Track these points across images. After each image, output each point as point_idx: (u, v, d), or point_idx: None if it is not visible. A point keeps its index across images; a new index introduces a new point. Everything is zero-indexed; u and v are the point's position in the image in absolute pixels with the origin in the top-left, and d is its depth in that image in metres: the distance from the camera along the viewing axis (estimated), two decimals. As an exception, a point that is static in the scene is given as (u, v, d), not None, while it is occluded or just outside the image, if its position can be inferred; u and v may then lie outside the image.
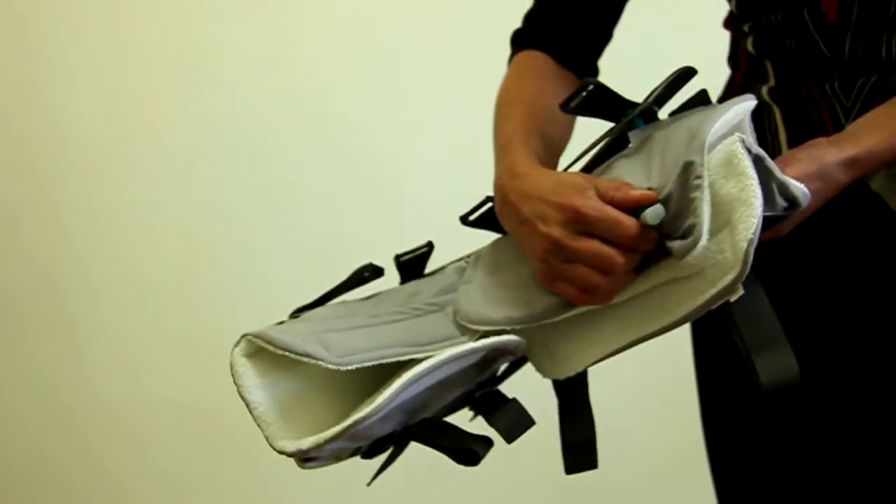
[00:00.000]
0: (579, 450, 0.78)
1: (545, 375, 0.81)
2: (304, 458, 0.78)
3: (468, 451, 0.76)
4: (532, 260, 0.80)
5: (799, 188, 0.76)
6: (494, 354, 0.80)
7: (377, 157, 2.08)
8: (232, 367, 0.78)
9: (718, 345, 1.10)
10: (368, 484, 0.80)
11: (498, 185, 0.88)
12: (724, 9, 1.05)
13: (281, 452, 0.76)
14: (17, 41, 2.09)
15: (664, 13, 1.91)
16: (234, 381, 0.78)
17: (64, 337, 2.14)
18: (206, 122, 2.08)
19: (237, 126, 2.08)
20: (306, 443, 0.74)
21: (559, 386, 0.80)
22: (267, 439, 0.76)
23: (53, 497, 2.17)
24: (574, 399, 0.79)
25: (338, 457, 0.80)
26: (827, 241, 0.99)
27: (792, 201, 0.77)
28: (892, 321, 0.98)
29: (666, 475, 1.95)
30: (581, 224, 0.76)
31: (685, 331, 1.14)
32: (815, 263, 1.01)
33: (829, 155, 0.81)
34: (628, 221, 0.74)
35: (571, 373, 0.79)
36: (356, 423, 0.72)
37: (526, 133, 0.93)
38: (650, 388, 1.93)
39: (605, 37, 1.09)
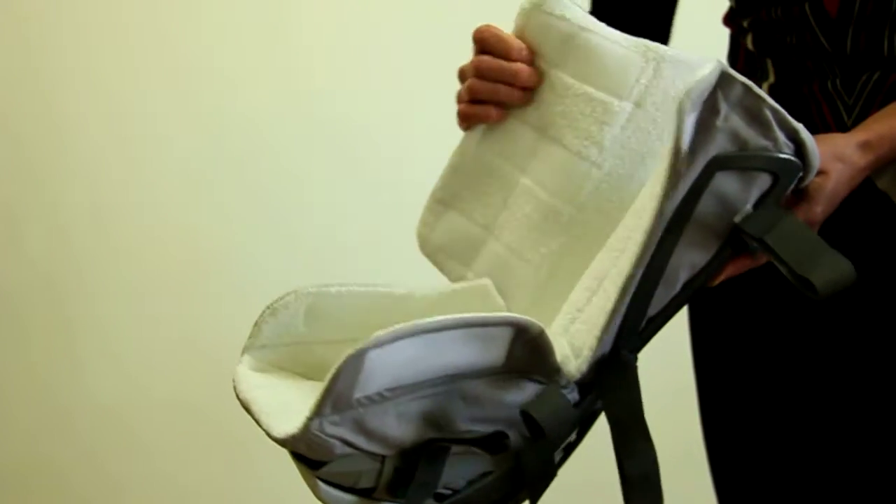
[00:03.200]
0: (643, 486, 0.72)
1: (573, 378, 0.75)
2: (312, 466, 0.72)
3: (496, 435, 0.71)
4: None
5: (799, 125, 0.74)
6: (519, 355, 0.72)
7: (377, 159, 2.08)
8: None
9: (717, 346, 1.10)
10: None
11: None
12: (723, 5, 1.04)
13: (276, 441, 0.71)
14: (17, 42, 2.09)
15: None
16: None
17: (62, 339, 2.14)
18: (206, 124, 2.08)
19: (236, 129, 2.08)
20: (298, 422, 0.68)
21: (614, 414, 0.75)
22: (266, 431, 0.72)
23: (51, 499, 2.17)
24: (633, 426, 0.74)
25: (356, 479, 0.74)
26: (833, 241, 0.98)
27: (797, 143, 0.74)
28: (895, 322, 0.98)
29: (665, 474, 1.94)
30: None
31: (684, 331, 1.14)
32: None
33: (842, 139, 0.82)
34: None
35: (589, 354, 0.74)
36: (339, 372, 0.66)
37: None
38: (649, 388, 1.92)
39: (664, 32, 1.10)
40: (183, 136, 2.09)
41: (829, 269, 0.71)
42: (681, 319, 1.14)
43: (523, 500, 0.81)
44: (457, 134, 2.15)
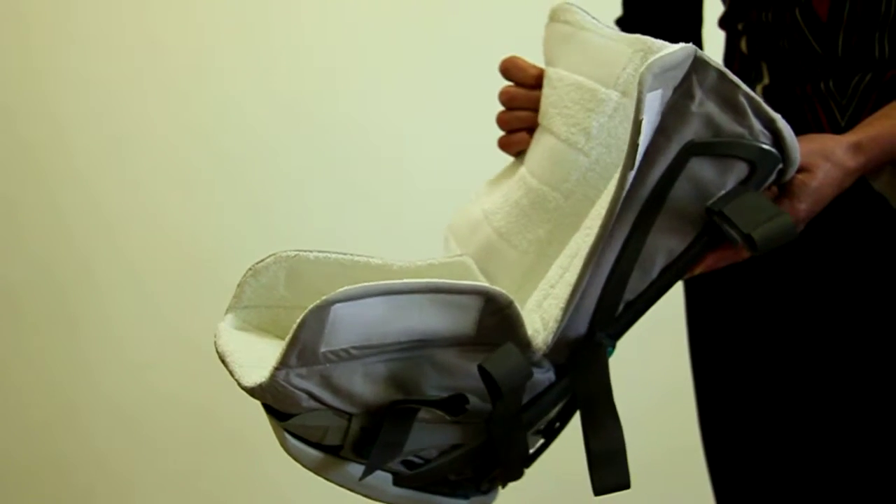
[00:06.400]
0: (609, 463, 0.73)
1: (540, 350, 0.75)
2: (280, 417, 0.73)
3: (457, 397, 0.71)
4: None
5: (777, 115, 0.75)
6: (491, 326, 0.72)
7: (377, 161, 2.09)
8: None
9: (716, 343, 1.10)
10: (361, 478, 0.77)
11: None
12: (719, 8, 1.06)
13: (245, 390, 0.72)
14: (17, 41, 2.10)
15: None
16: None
17: (67, 334, 2.14)
18: (208, 121, 2.08)
19: (238, 125, 2.08)
20: (265, 372, 0.69)
21: (582, 391, 0.75)
22: (237, 382, 0.73)
23: (56, 493, 2.17)
24: (600, 403, 0.74)
25: (323, 435, 0.74)
26: (829, 241, 0.99)
27: (774, 133, 0.75)
28: (892, 321, 0.98)
29: (663, 472, 1.95)
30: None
31: (682, 327, 1.15)
32: (817, 263, 1.01)
33: (831, 139, 0.83)
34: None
35: (555, 326, 0.74)
36: (304, 322, 0.67)
37: None
38: (647, 386, 1.93)
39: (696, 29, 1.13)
40: (184, 135, 2.09)
41: (771, 226, 0.72)
42: (679, 318, 1.15)
43: (501, 481, 0.82)
44: (455, 136, 2.15)
